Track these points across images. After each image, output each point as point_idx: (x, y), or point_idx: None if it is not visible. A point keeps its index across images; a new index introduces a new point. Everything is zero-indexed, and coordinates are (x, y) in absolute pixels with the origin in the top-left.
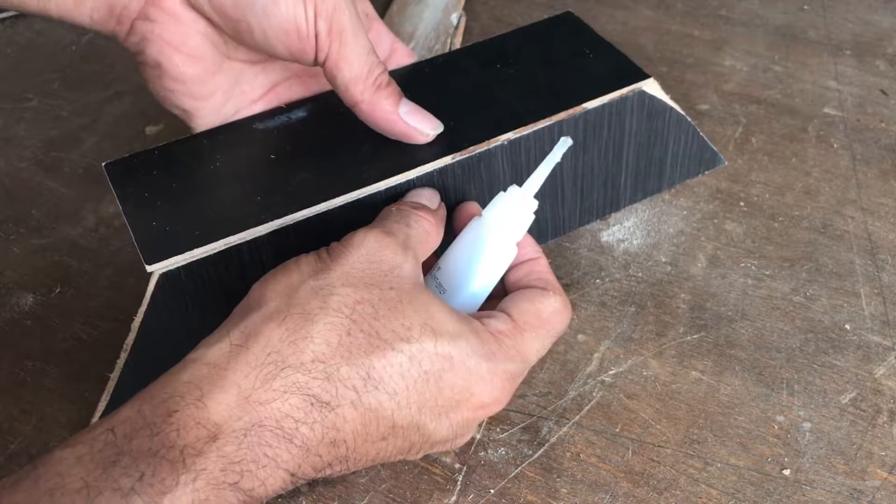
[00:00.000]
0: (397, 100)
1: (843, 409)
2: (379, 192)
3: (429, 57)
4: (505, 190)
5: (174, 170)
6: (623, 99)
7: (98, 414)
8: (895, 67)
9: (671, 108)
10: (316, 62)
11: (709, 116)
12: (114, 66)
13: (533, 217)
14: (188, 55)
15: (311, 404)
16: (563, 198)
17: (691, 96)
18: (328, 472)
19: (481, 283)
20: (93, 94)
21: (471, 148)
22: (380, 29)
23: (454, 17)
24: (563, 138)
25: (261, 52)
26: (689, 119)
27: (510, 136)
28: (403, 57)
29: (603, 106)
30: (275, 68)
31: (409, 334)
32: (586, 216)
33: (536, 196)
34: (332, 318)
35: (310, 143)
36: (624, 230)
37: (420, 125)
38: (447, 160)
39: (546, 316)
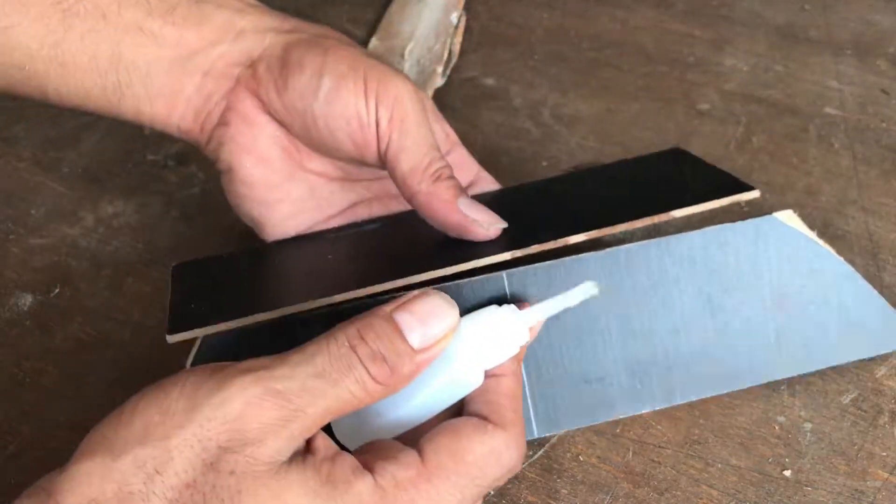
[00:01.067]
0: (457, 192)
1: (844, 409)
2: (421, 284)
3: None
4: (500, 305)
5: (231, 267)
6: (748, 225)
7: None
8: None
9: (819, 246)
10: (379, 156)
11: (709, 116)
12: None
13: (517, 350)
14: (257, 157)
15: None
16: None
17: (692, 96)
18: None
19: (424, 407)
20: None
21: (534, 246)
22: (462, 153)
23: (454, 17)
24: (588, 282)
25: (330, 151)
26: (854, 270)
27: (581, 237)
28: (487, 184)
29: (705, 230)
30: (353, 187)
31: None
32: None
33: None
34: None
35: (372, 247)
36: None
37: (479, 216)
38: (506, 256)
39: (472, 459)
